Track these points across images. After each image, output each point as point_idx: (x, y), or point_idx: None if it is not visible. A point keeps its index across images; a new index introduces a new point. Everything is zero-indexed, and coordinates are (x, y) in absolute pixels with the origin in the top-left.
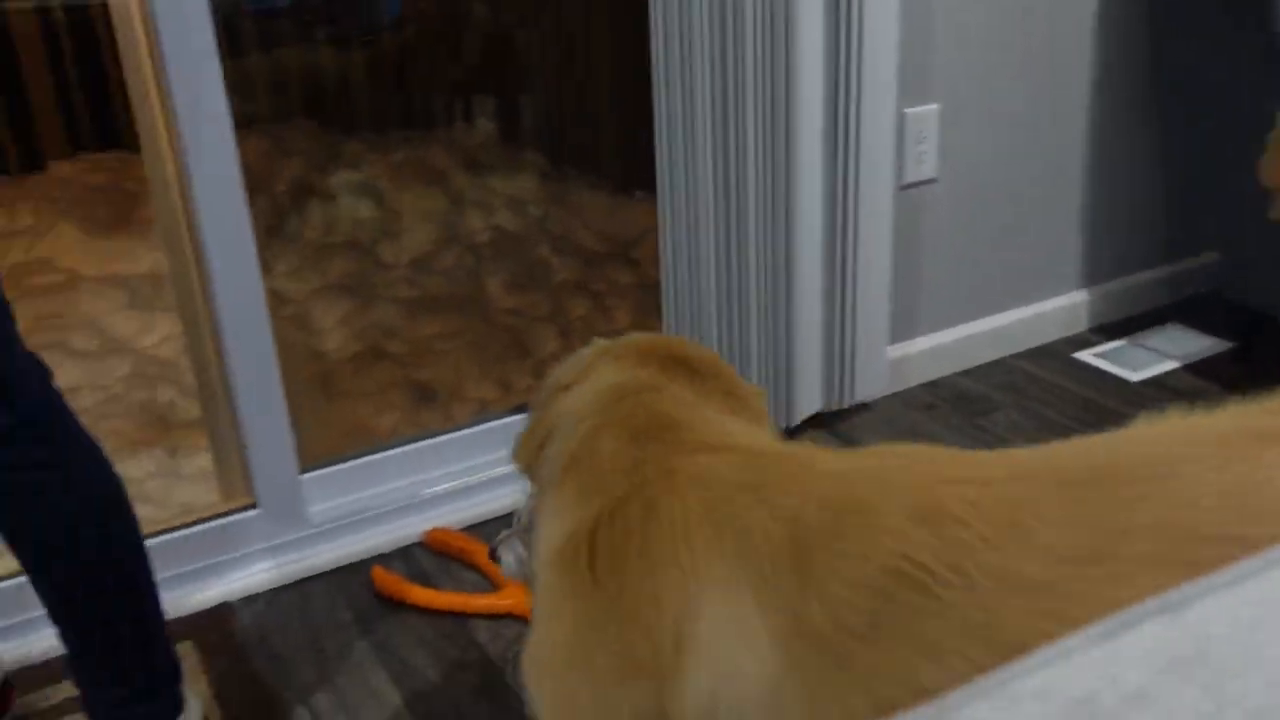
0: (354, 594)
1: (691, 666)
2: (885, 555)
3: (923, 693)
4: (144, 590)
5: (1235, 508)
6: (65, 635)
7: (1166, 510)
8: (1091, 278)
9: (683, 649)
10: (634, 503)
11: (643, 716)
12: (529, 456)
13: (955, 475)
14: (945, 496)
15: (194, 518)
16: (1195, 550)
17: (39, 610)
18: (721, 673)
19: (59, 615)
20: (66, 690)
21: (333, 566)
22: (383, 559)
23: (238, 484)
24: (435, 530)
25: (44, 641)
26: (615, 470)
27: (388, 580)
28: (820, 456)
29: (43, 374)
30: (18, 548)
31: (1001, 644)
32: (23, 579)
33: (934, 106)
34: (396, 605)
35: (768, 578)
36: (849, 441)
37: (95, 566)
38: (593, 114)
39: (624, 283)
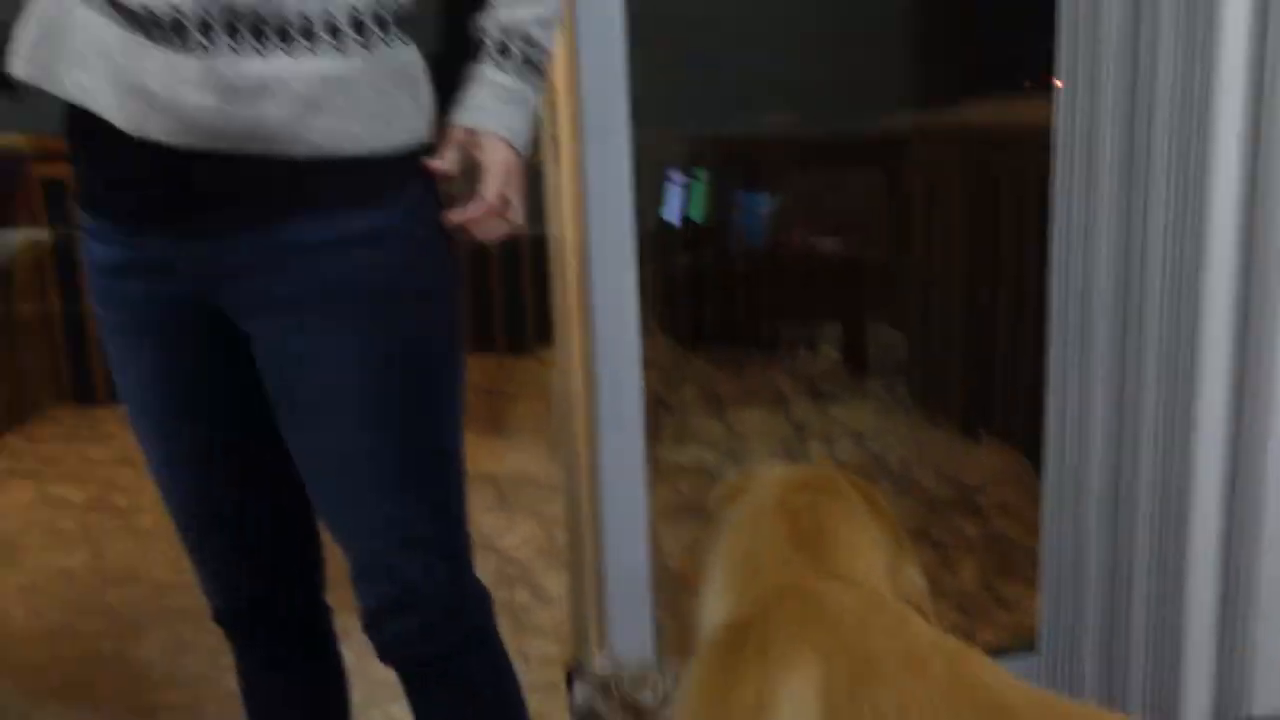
0: None
1: None
2: (929, 710)
3: None
4: None
5: None
6: None
7: None
8: None
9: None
10: (772, 610)
11: None
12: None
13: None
14: (1002, 692)
15: None
16: None
17: None
18: None
19: None
20: None
21: None
22: None
23: None
24: None
25: None
26: (768, 571)
27: None
28: (919, 621)
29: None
30: None
31: None
32: None
33: None
34: None
35: (842, 686)
36: None
37: None
38: (941, 349)
39: (969, 534)
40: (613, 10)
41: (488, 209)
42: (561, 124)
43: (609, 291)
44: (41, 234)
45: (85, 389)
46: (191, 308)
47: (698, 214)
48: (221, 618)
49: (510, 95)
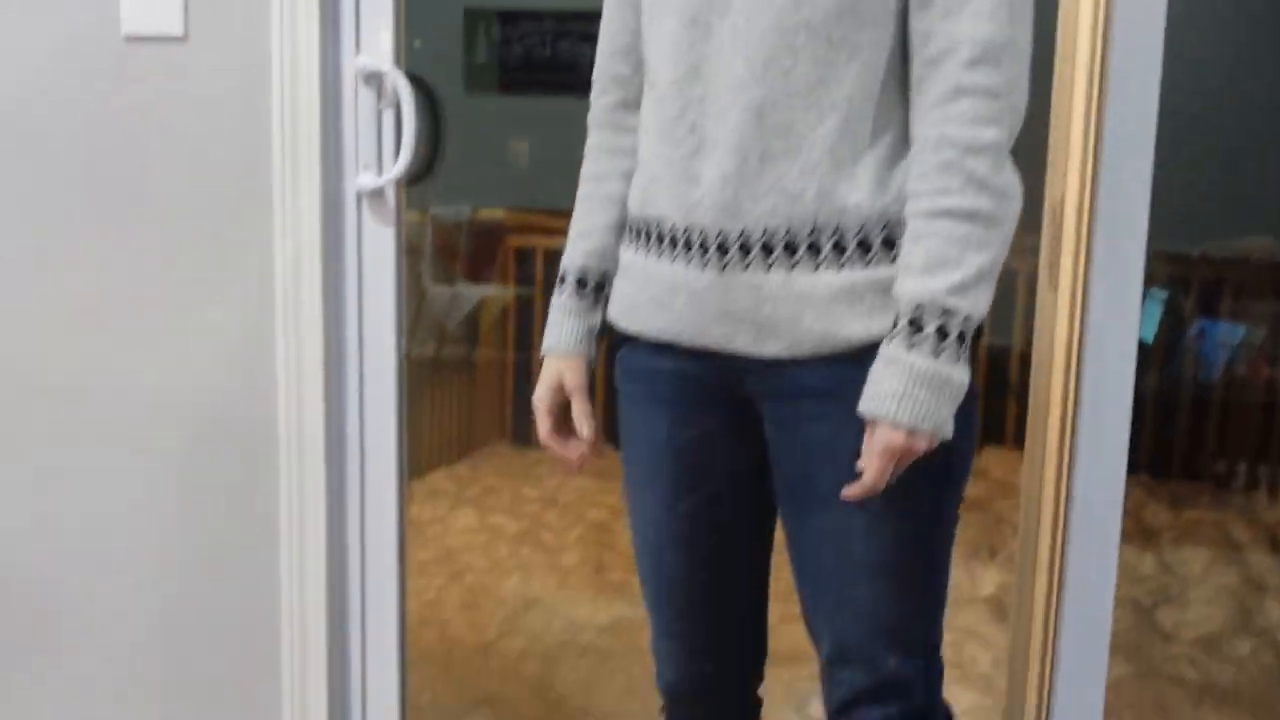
0: None
1: None
2: None
3: None
4: None
5: None
6: None
7: None
8: None
9: None
10: None
11: None
12: None
13: None
14: None
15: None
16: None
17: None
18: None
19: None
20: None
21: None
22: None
23: None
24: None
25: None
26: None
27: None
28: None
29: None
30: None
31: None
32: None
33: None
34: None
35: None
36: None
37: None
38: None
39: None
40: (1146, 123)
41: (864, 491)
42: (1065, 245)
43: (1098, 418)
44: (508, 292)
45: (523, 432)
46: (711, 388)
47: (1149, 335)
48: (670, 689)
49: (921, 378)
